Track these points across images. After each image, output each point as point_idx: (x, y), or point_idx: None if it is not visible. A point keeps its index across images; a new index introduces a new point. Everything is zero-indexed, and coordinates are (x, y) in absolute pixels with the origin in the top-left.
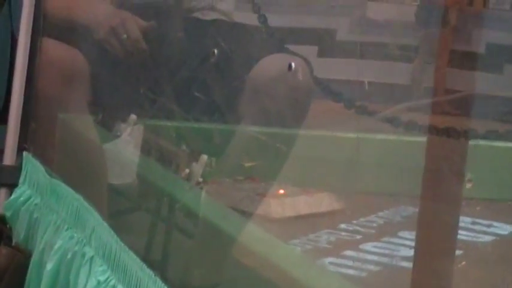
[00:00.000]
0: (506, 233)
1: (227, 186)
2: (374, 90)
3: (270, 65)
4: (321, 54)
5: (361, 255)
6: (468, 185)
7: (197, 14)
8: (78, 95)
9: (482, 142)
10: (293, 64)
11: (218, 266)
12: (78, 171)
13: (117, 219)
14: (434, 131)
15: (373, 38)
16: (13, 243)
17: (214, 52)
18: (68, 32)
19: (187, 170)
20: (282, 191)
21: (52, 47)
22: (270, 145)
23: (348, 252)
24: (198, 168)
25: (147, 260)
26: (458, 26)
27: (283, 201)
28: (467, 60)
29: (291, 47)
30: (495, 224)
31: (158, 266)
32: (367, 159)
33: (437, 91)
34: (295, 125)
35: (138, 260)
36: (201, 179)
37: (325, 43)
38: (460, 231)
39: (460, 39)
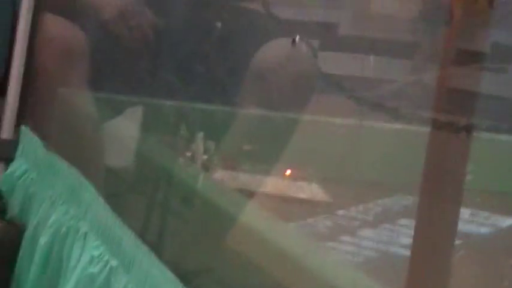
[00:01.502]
0: (504, 225)
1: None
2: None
3: (274, 49)
4: (323, 48)
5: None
6: (468, 177)
7: None
8: (77, 71)
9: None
10: (298, 45)
11: (215, 249)
12: (76, 148)
13: (114, 200)
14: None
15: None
16: (7, 217)
17: (217, 27)
18: (70, 8)
19: (188, 154)
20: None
21: (53, 23)
22: (271, 130)
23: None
24: (197, 147)
25: (143, 240)
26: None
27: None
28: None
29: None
30: (494, 216)
31: (154, 247)
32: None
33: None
34: (297, 110)
35: (132, 235)
36: (205, 157)
37: (327, 37)
38: (459, 223)
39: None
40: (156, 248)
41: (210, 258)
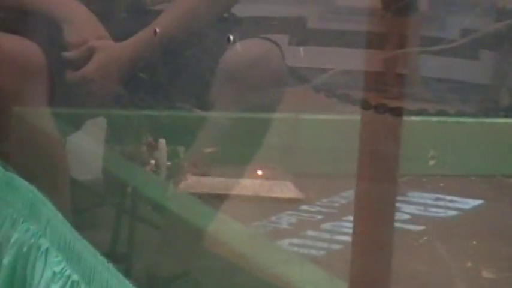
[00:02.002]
0: (468, 207)
1: None
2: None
3: (241, 50)
4: (292, 42)
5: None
6: (431, 162)
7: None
8: (35, 88)
9: (448, 119)
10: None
11: (186, 255)
12: (36, 165)
13: (81, 215)
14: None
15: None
16: None
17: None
18: (24, 25)
19: (152, 161)
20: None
21: (7, 41)
22: (245, 132)
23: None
24: (160, 154)
25: (113, 254)
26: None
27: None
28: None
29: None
30: (458, 199)
31: (125, 259)
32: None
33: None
34: (269, 110)
35: (91, 248)
36: (169, 163)
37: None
38: (423, 208)
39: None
40: (126, 259)
41: (182, 265)
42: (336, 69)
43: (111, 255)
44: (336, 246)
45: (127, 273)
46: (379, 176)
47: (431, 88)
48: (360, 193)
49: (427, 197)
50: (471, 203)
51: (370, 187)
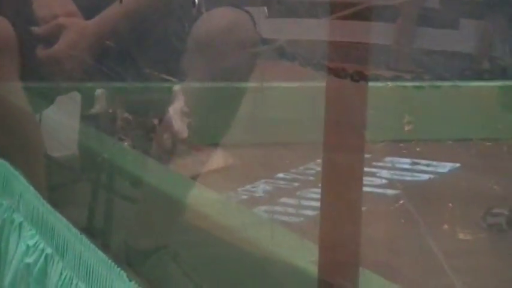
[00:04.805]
0: (445, 171)
1: None
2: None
3: (211, 19)
4: (271, 14)
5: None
6: (407, 128)
7: None
8: (5, 63)
9: (424, 83)
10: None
11: (164, 227)
12: (9, 141)
13: (58, 191)
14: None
15: None
16: None
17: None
18: None
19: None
20: None
21: None
22: (218, 102)
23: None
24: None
25: (91, 229)
26: None
27: None
28: None
29: None
30: (434, 163)
31: (102, 234)
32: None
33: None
34: (241, 80)
35: (64, 220)
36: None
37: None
38: (400, 172)
39: None
40: (104, 234)
41: (161, 237)
42: (283, 40)
43: (89, 230)
44: (312, 213)
45: (105, 248)
46: (345, 142)
47: (412, 57)
48: (327, 159)
49: (404, 162)
50: (447, 166)
51: (336, 153)
